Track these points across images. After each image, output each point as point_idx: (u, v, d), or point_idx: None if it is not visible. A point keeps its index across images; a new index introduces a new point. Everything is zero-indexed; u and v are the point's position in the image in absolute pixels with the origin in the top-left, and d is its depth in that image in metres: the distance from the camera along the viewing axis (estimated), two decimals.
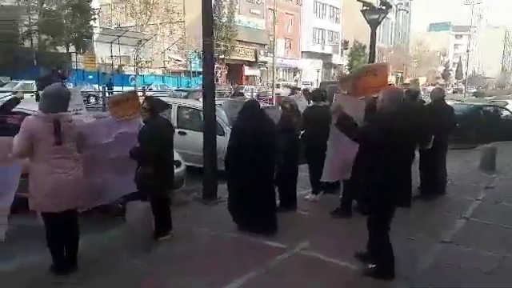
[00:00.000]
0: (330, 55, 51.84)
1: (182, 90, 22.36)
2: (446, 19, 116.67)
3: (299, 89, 29.32)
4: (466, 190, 6.74)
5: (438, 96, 6.40)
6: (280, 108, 5.90)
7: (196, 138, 6.49)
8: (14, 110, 4.43)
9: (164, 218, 4.41)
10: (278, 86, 33.51)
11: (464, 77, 65.42)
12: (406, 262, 3.80)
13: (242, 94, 23.89)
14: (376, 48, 9.89)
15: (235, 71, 38.94)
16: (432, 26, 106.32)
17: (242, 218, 4.62)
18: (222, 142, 5.74)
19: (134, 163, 4.19)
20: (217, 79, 32.06)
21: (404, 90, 6.34)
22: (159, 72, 35.37)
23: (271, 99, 25.58)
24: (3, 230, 3.40)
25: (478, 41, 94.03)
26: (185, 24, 35.08)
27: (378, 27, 9.58)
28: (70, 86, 18.64)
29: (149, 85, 28.19)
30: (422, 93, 10.27)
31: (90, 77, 27.26)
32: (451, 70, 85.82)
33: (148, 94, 13.62)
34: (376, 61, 14.62)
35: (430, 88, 26.73)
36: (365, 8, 9.31)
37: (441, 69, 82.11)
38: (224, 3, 35.15)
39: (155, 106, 4.35)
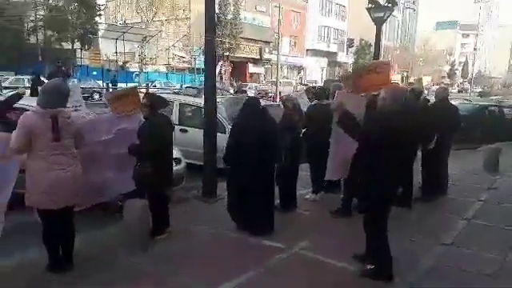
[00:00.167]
0: (336, 53, 51.54)
1: (192, 88, 22.08)
2: (453, 18, 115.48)
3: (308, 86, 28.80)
4: (468, 190, 6.67)
5: (443, 95, 6.34)
6: (282, 106, 5.86)
7: (197, 135, 6.47)
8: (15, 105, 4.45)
9: (161, 216, 4.38)
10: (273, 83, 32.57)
11: (470, 76, 64.90)
12: (407, 263, 3.77)
13: (245, 92, 23.77)
14: (382, 46, 9.83)
15: (239, 69, 38.77)
16: (439, 24, 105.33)
17: (241, 217, 4.59)
18: (223, 139, 5.70)
19: (134, 160, 4.17)
20: (221, 77, 32.02)
21: (408, 89, 6.32)
22: (163, 69, 35.36)
23: (274, 97, 25.30)
24: (0, 226, 3.38)
25: (485, 40, 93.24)
26: (190, 21, 35.08)
27: (384, 25, 9.54)
28: (73, 81, 18.75)
29: (152, 82, 28.21)
30: (425, 92, 10.19)
31: (95, 73, 27.41)
32: (457, 70, 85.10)
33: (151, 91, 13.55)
34: (381, 59, 14.54)
35: (435, 87, 26.57)
36: (370, 6, 9.24)
37: (447, 68, 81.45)
38: (230, 0, 35.06)
39: (155, 103, 4.32)
